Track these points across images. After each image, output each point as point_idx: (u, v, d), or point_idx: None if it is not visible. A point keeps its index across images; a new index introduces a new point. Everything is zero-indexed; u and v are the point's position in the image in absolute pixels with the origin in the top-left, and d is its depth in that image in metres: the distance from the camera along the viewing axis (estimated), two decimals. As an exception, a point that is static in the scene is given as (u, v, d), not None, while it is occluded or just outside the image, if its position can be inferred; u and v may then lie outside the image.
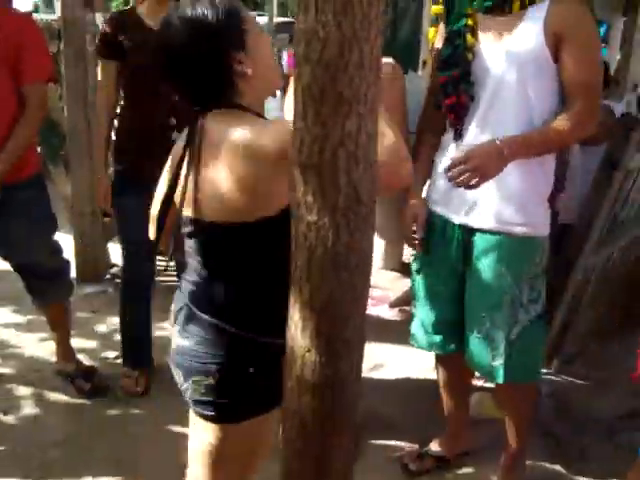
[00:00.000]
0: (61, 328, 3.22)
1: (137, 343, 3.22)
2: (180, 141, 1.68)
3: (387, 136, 1.34)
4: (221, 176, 1.50)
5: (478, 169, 2.00)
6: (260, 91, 1.62)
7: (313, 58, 1.08)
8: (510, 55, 2.10)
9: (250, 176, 1.47)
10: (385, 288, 4.33)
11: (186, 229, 1.64)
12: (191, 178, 1.57)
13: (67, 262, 3.17)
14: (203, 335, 1.61)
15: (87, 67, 3.96)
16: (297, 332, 1.30)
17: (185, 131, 1.65)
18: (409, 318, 2.64)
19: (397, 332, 3.50)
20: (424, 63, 6.94)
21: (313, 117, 1.12)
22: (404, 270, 4.53)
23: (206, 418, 1.67)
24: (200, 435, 1.71)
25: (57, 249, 3.09)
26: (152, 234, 1.76)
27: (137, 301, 3.12)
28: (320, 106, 1.11)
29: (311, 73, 1.09)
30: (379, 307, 4.04)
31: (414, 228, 2.39)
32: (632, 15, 4.69)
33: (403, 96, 3.60)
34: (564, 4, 2.06)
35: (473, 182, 2.01)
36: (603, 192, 2.78)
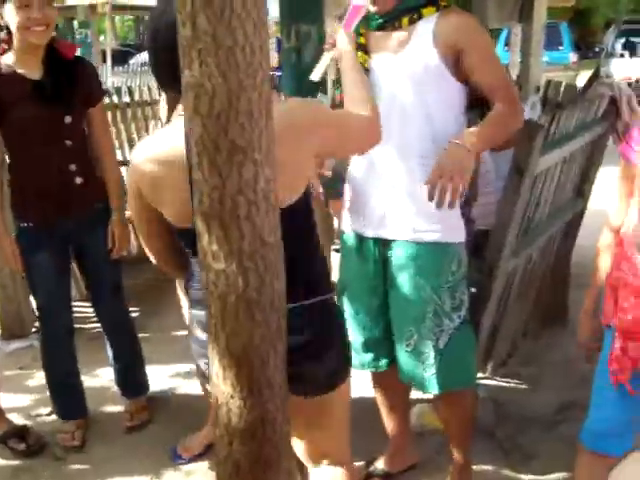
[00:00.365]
0: (-12, 393, 3.11)
1: (67, 395, 3.14)
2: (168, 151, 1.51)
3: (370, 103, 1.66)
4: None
5: (455, 173, 2.02)
6: None
7: (202, 111, 1.09)
8: (403, 69, 2.19)
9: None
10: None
11: None
12: None
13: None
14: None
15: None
16: (219, 380, 1.30)
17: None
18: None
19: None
20: (334, 82, 7.03)
21: (209, 168, 1.13)
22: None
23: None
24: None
25: None
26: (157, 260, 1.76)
27: (60, 352, 3.04)
28: (214, 156, 1.12)
29: (202, 125, 1.10)
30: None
31: None
32: (528, 20, 4.86)
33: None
34: (451, 16, 2.16)
35: (459, 189, 2.03)
36: (514, 197, 2.87)
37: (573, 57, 14.59)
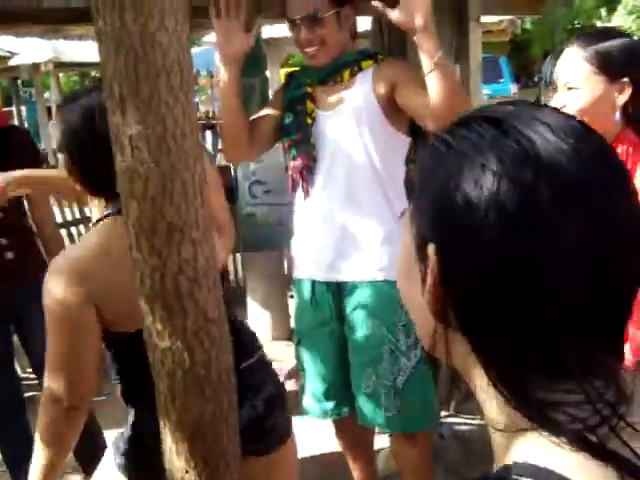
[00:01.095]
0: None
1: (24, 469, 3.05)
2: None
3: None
4: None
5: None
6: None
7: (138, 194, 1.11)
8: (346, 120, 2.26)
9: None
10: (279, 360, 4.32)
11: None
12: None
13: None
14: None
15: None
16: (172, 456, 1.29)
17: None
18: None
19: (295, 405, 3.49)
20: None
21: (148, 249, 1.14)
22: (293, 338, 4.56)
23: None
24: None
25: None
26: None
27: (12, 427, 2.96)
28: (152, 238, 1.13)
29: (138, 208, 1.12)
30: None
31: None
32: (463, 62, 5.01)
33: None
34: (387, 63, 2.27)
35: None
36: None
37: (514, 88, 15.01)
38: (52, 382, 1.41)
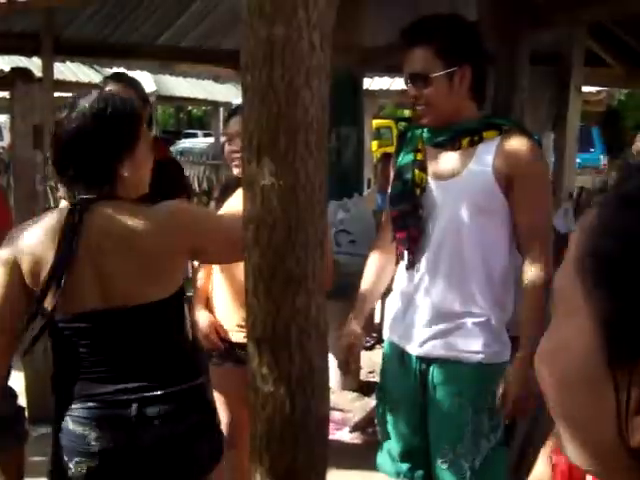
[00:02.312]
0: (14, 482, 3.09)
1: None
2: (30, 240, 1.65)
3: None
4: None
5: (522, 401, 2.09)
6: (129, 191, 1.68)
7: (262, 242, 1.15)
8: (460, 193, 2.14)
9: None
10: (345, 410, 4.30)
11: (81, 324, 1.66)
12: (85, 271, 1.60)
13: (22, 408, 3.09)
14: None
15: (38, 206, 3.99)
16: (260, 500, 1.31)
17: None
18: (371, 441, 2.62)
19: (359, 457, 3.46)
20: (369, 181, 7.18)
21: (264, 295, 1.17)
22: (363, 389, 4.52)
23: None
24: None
25: (12, 395, 3.01)
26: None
27: None
28: (270, 284, 1.16)
29: (260, 255, 1.16)
30: (340, 431, 3.99)
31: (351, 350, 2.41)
32: (560, 130, 4.99)
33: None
34: (513, 144, 2.11)
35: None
36: (548, 308, 2.87)
37: (604, 159, 14.75)
38: None
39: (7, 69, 5.52)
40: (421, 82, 2.14)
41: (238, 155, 2.60)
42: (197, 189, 5.95)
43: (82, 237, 1.57)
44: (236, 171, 2.60)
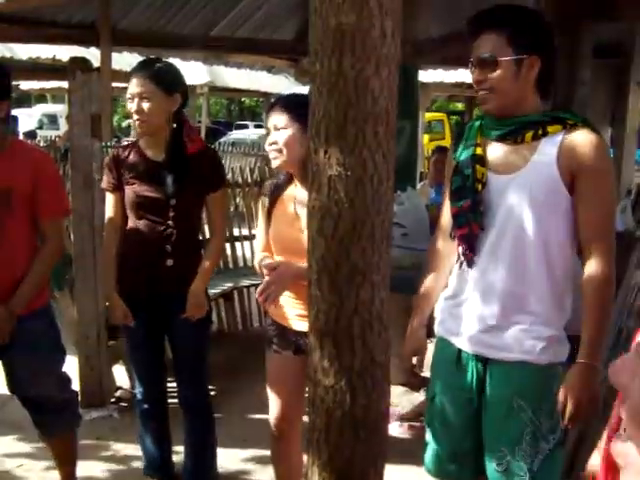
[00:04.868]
0: (67, 465, 3.14)
1: (160, 461, 3.17)
2: None
3: None
4: None
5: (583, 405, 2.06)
6: None
7: (327, 233, 1.13)
8: (522, 188, 2.08)
9: None
10: (394, 404, 4.27)
11: None
12: None
13: (75, 393, 3.15)
14: None
15: (94, 194, 4.05)
16: (317, 493, 1.30)
17: None
18: (419, 435, 2.59)
19: (407, 451, 3.43)
20: (421, 175, 7.12)
21: (328, 286, 1.16)
22: (413, 384, 4.49)
23: None
24: None
25: (66, 380, 3.07)
26: None
27: (154, 418, 3.12)
28: (335, 276, 1.15)
29: (325, 246, 1.14)
30: (389, 424, 3.97)
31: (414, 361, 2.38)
32: (619, 125, 4.87)
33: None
34: (578, 138, 2.05)
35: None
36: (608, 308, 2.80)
37: (661, 155, 14.36)
38: None
39: (65, 59, 5.61)
40: (488, 66, 2.07)
41: (272, 148, 2.64)
42: (249, 179, 5.95)
43: None
44: (273, 164, 2.62)
